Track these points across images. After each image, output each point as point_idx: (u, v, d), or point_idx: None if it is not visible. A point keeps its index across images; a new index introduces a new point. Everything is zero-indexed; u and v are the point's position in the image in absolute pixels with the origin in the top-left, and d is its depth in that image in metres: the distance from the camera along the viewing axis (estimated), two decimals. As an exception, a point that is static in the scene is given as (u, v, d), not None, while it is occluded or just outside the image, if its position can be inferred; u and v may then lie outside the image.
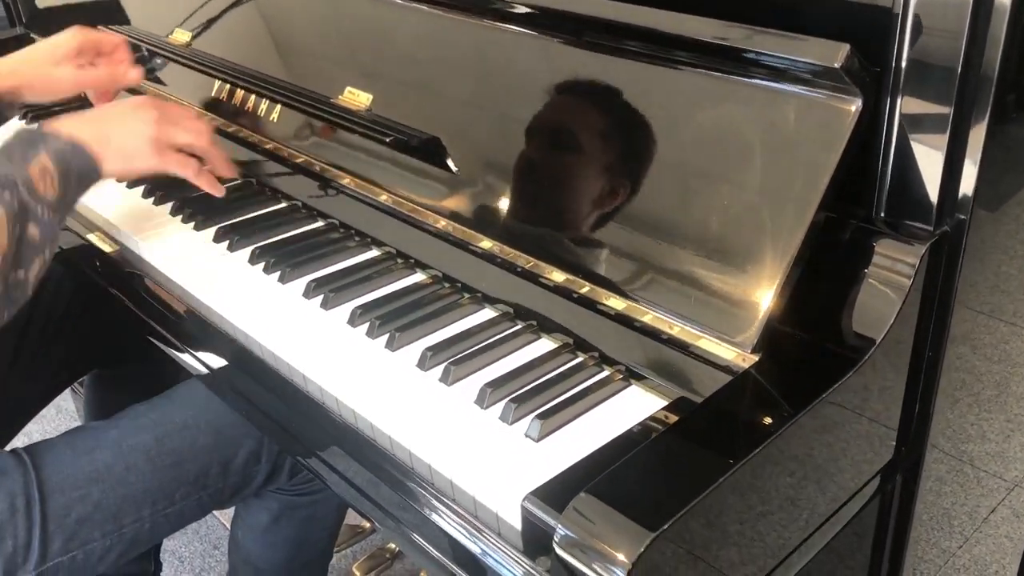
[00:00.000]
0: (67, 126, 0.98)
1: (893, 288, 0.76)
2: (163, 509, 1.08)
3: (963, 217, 0.77)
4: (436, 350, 0.89)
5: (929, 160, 0.75)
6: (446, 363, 0.87)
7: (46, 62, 1.18)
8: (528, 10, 0.97)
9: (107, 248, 1.21)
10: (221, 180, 1.14)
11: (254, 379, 0.98)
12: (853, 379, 0.74)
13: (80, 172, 0.97)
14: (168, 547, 1.89)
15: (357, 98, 1.13)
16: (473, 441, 0.80)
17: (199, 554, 1.89)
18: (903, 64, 0.73)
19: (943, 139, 0.74)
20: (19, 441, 2.13)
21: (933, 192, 0.76)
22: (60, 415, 2.28)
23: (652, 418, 0.80)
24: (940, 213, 0.76)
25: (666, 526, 0.62)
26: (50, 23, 1.72)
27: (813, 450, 0.76)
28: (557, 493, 0.69)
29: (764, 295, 0.77)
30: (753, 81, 0.80)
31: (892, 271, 0.76)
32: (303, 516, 1.26)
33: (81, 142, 0.97)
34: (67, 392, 2.14)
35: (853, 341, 0.76)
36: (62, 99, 1.25)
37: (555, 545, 0.64)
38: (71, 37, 1.19)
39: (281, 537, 1.28)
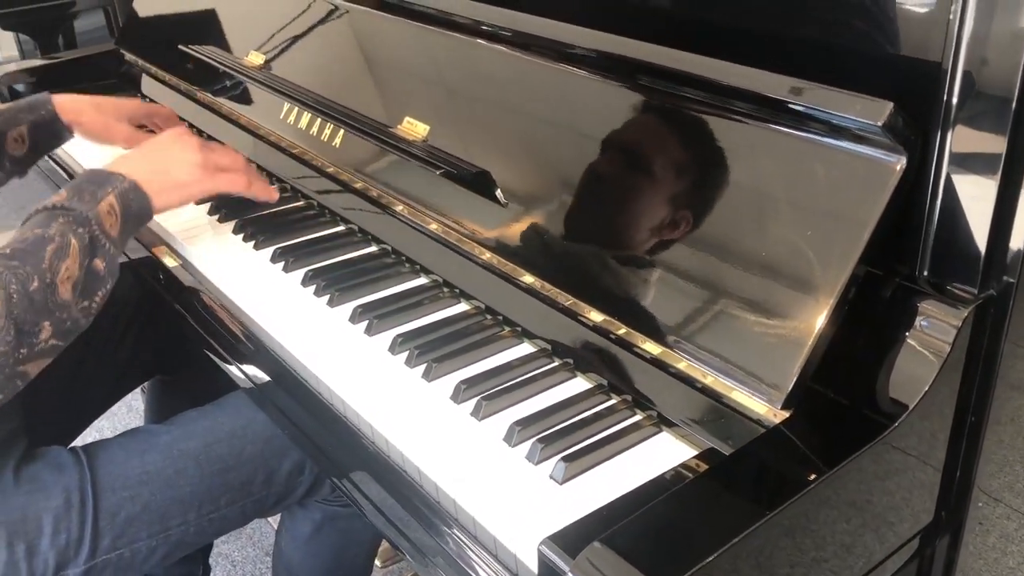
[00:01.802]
0: (126, 167, 1.06)
1: (932, 352, 0.74)
2: (208, 514, 1.11)
3: (1011, 280, 0.74)
4: (470, 383, 0.90)
5: (975, 221, 0.73)
6: (478, 397, 0.88)
7: (111, 115, 1.38)
8: (585, 53, 0.98)
9: (170, 262, 1.25)
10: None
11: (296, 400, 1.01)
12: (885, 443, 0.72)
13: (138, 211, 1.04)
14: (221, 551, 1.94)
15: (415, 128, 1.15)
16: (498, 479, 0.80)
17: (251, 559, 1.93)
18: (951, 122, 0.72)
19: (990, 200, 0.71)
20: (90, 436, 2.23)
21: (979, 254, 0.73)
22: (131, 413, 2.37)
23: (682, 466, 0.80)
24: (986, 276, 0.74)
25: (676, 583, 0.61)
26: (138, 40, 1.80)
27: (840, 513, 0.74)
28: (574, 540, 0.69)
29: (797, 351, 0.75)
30: (798, 133, 0.79)
31: (931, 334, 0.74)
32: (344, 527, 1.29)
33: (139, 182, 1.05)
34: (138, 391, 2.22)
35: (886, 405, 0.74)
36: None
37: (563, 593, 0.64)
38: (137, 105, 1.46)
39: (322, 547, 1.30)
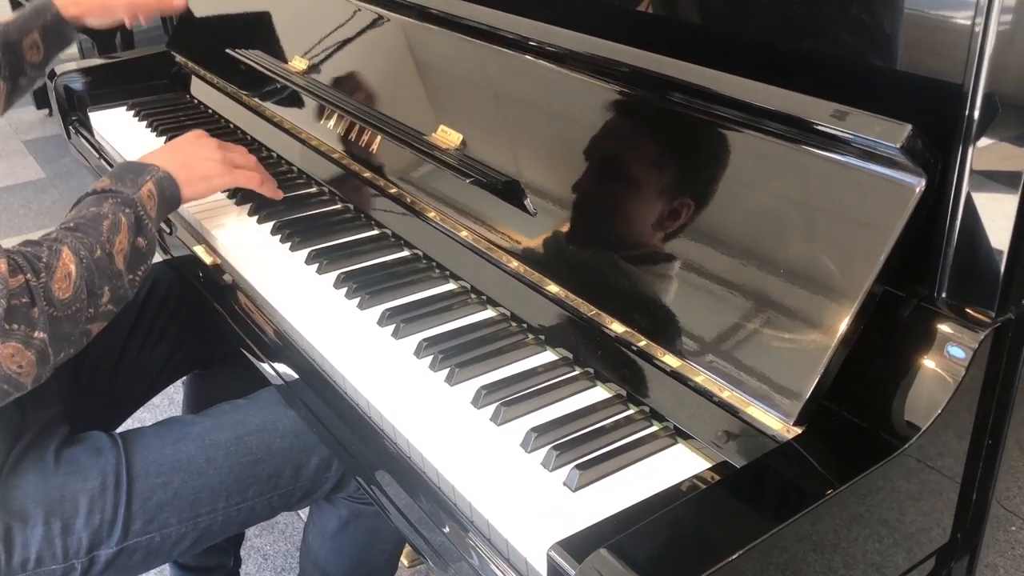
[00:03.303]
0: (158, 159, 1.18)
1: (947, 374, 0.74)
2: (236, 504, 1.15)
3: (1030, 305, 0.74)
4: (491, 389, 0.92)
5: (994, 244, 0.73)
6: (498, 403, 0.90)
7: None
8: (617, 69, 1.00)
9: (208, 260, 1.29)
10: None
11: (324, 398, 1.03)
12: (896, 463, 0.72)
13: (170, 197, 1.16)
14: (254, 544, 1.98)
15: (449, 136, 1.17)
16: (513, 484, 0.82)
17: (282, 553, 1.97)
18: (971, 145, 0.72)
19: (1009, 224, 0.72)
20: (131, 427, 2.29)
21: (997, 277, 0.73)
22: (172, 406, 2.42)
23: (695, 478, 0.81)
24: (1004, 299, 0.74)
25: (677, 592, 0.63)
26: (188, 44, 1.85)
27: (854, 528, 0.74)
28: (582, 546, 0.70)
29: (812, 368, 0.76)
30: (818, 153, 0.80)
31: (947, 357, 0.74)
32: (369, 525, 1.31)
33: (171, 172, 1.17)
34: (179, 385, 2.27)
35: (900, 425, 0.74)
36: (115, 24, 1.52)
37: (568, 599, 0.66)
38: None
39: (348, 544, 1.33)
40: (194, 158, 1.22)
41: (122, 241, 1.04)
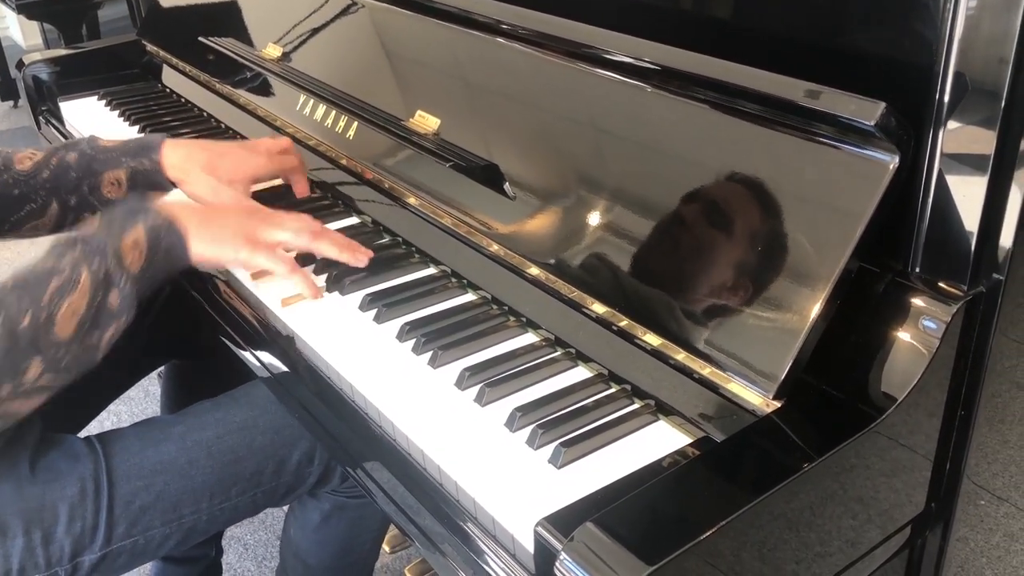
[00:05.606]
0: (170, 206, 1.03)
1: (922, 346, 0.76)
2: (219, 503, 1.14)
3: (1000, 277, 0.76)
4: (474, 371, 0.92)
5: (965, 219, 0.75)
6: (482, 384, 0.90)
7: (224, 175, 1.21)
8: (592, 51, 1.01)
9: (187, 249, 1.28)
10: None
11: (307, 385, 1.03)
12: (872, 435, 0.74)
13: (168, 250, 1.00)
14: (235, 534, 1.98)
15: (426, 122, 1.18)
16: (499, 463, 0.83)
17: (262, 543, 1.97)
18: (943, 122, 0.74)
19: (980, 198, 0.74)
20: (106, 419, 2.28)
21: (968, 251, 0.75)
22: (148, 398, 2.41)
23: (677, 453, 0.82)
24: (975, 273, 0.76)
25: (663, 561, 0.64)
26: (159, 31, 1.83)
27: (829, 499, 0.76)
28: (569, 521, 0.72)
29: (790, 343, 0.78)
30: (795, 131, 0.81)
31: (921, 329, 0.76)
32: (352, 517, 1.31)
33: (178, 222, 1.00)
34: (154, 377, 2.26)
35: (877, 397, 0.76)
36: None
37: (556, 572, 0.67)
38: (263, 163, 1.24)
39: (330, 536, 1.33)
40: (218, 217, 1.06)
41: (75, 303, 0.90)
